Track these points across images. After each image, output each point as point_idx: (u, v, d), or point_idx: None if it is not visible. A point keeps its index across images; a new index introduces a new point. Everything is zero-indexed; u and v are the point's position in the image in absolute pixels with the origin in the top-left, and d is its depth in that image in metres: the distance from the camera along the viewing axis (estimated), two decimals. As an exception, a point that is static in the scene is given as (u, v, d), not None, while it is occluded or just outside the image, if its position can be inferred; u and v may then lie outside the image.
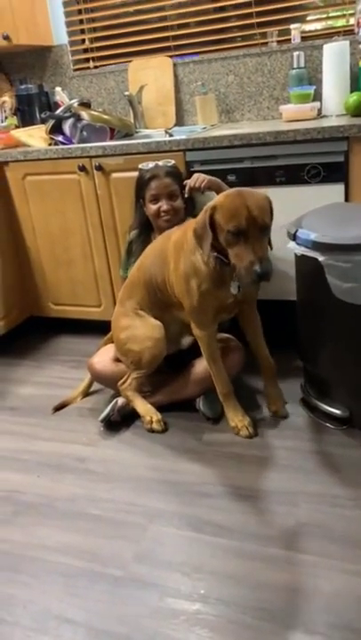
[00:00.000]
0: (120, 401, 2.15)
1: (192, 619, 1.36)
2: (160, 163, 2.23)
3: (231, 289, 1.86)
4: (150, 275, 2.07)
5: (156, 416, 2.08)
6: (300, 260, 1.89)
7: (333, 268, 1.72)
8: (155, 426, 2.06)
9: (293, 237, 1.86)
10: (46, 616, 1.42)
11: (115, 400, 2.17)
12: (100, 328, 2.61)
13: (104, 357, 2.26)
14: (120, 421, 2.15)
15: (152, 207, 2.20)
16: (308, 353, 2.08)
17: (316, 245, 1.76)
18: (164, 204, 2.18)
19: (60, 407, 2.35)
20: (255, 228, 1.68)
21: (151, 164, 2.23)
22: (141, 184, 2.23)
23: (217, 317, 1.97)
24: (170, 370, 2.24)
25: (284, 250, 1.93)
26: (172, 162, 2.25)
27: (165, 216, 2.19)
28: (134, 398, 2.13)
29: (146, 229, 2.32)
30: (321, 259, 1.75)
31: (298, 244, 1.84)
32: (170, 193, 2.19)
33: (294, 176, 2.21)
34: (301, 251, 1.83)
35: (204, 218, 1.74)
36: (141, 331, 2.09)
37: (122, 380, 2.15)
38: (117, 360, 2.23)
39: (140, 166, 2.26)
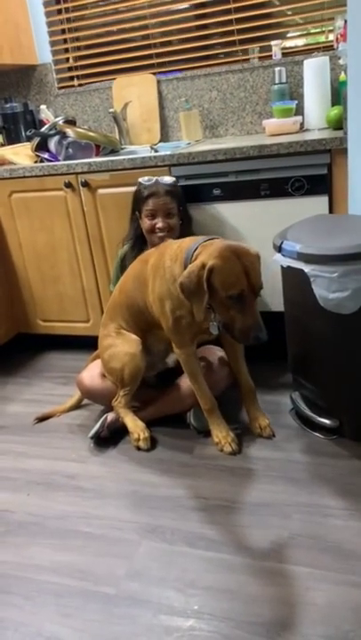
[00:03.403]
0: (110, 417, 2.14)
1: (186, 635, 1.34)
2: (160, 179, 2.22)
3: (211, 329, 1.87)
4: (132, 298, 2.08)
5: (144, 434, 2.07)
6: (287, 271, 1.90)
7: (319, 278, 1.74)
8: (141, 444, 2.05)
9: (279, 249, 1.88)
10: (39, 638, 1.39)
11: (104, 416, 2.15)
12: (88, 344, 2.61)
13: (92, 373, 2.26)
14: (110, 437, 2.14)
15: (148, 222, 2.21)
16: (297, 363, 2.09)
17: (302, 256, 1.77)
18: (159, 222, 2.19)
19: (42, 419, 2.36)
20: (252, 293, 1.69)
21: (151, 180, 2.22)
22: (139, 198, 2.23)
23: (196, 338, 1.98)
24: (160, 384, 2.24)
25: (270, 262, 1.94)
26: (173, 179, 2.25)
27: (160, 233, 2.19)
28: (125, 414, 2.12)
29: (139, 243, 2.31)
30: (307, 270, 1.76)
31: (284, 255, 1.86)
32: (167, 211, 2.20)
33: (279, 189, 2.23)
34: (287, 262, 1.84)
35: (198, 277, 1.67)
36: (120, 348, 2.09)
37: (115, 398, 2.15)
38: (105, 375, 2.22)
39: (139, 180, 2.25)
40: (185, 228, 2.27)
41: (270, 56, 2.73)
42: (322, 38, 2.73)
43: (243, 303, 1.68)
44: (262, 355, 2.13)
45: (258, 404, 2.09)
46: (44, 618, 1.44)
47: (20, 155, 2.83)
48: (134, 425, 2.09)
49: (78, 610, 1.45)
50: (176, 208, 2.22)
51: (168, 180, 2.24)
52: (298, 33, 2.79)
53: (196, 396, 2.04)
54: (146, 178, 2.25)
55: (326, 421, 1.98)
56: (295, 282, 1.86)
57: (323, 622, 1.32)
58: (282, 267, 1.91)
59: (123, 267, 2.34)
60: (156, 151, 2.70)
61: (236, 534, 1.62)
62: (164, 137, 3.03)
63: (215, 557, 1.55)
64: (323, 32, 2.71)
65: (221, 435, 1.99)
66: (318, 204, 2.19)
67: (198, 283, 1.68)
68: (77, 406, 2.40)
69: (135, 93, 2.99)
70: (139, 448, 2.06)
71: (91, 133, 2.75)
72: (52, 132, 2.78)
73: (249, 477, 1.85)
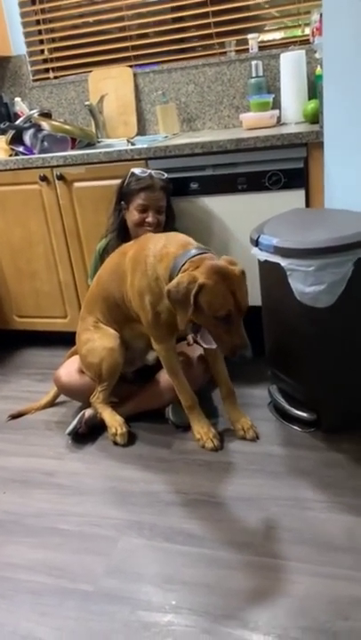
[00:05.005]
0: (87, 413, 2.13)
1: (163, 631, 1.34)
2: (154, 173, 2.19)
3: (187, 330, 1.89)
4: (109, 291, 2.06)
5: (122, 429, 2.05)
6: (264, 265, 1.90)
7: (296, 272, 1.74)
8: (118, 439, 2.04)
9: (256, 243, 1.88)
10: (15, 637, 1.37)
11: (82, 412, 2.14)
12: (66, 339, 2.58)
13: (70, 369, 2.24)
14: (87, 434, 2.12)
15: (137, 215, 2.17)
16: (275, 357, 2.10)
17: (279, 250, 1.78)
18: (150, 216, 2.16)
19: (17, 415, 2.34)
20: (239, 313, 1.68)
21: (145, 172, 2.18)
22: (131, 190, 2.18)
23: (175, 333, 1.97)
24: (138, 380, 2.22)
25: (247, 256, 1.94)
26: (165, 174, 2.22)
27: (148, 227, 2.16)
28: (103, 410, 2.10)
29: (122, 235, 2.26)
30: (283, 264, 1.76)
31: (260, 249, 1.86)
32: (159, 207, 2.18)
33: (256, 183, 2.23)
34: (264, 256, 1.84)
35: (187, 290, 1.65)
36: (98, 342, 2.08)
37: (93, 394, 2.13)
38: (83, 372, 2.20)
39: (132, 170, 2.20)
40: (168, 224, 2.25)
41: (247, 49, 2.72)
42: (298, 32, 2.73)
43: (230, 323, 1.67)
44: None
45: (238, 406, 2.06)
46: (21, 616, 1.43)
47: (-5, 148, 2.78)
48: (112, 419, 2.07)
49: (55, 608, 1.44)
50: (165, 205, 2.20)
51: (161, 175, 2.21)
52: (274, 26, 2.78)
53: (174, 391, 2.03)
54: (139, 170, 2.20)
55: (304, 414, 1.99)
56: (272, 276, 1.86)
57: (301, 614, 1.33)
58: (259, 261, 1.91)
59: (102, 260, 2.29)
60: (132, 144, 2.67)
61: (215, 528, 1.62)
62: (141, 130, 3.01)
63: (194, 552, 1.55)
64: (299, 26, 2.71)
65: (203, 431, 1.99)
66: (295, 197, 2.19)
67: (186, 295, 1.66)
68: (53, 403, 2.38)
69: (112, 86, 2.96)
70: (115, 443, 2.05)
71: (66, 126, 2.71)
72: (26, 124, 2.73)
73: (227, 471, 1.85)
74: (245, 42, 2.72)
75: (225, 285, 1.66)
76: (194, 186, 2.32)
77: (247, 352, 1.69)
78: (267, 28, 2.80)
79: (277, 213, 2.06)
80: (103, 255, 2.30)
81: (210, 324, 1.71)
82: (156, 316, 1.89)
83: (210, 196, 2.31)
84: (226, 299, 1.65)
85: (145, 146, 2.37)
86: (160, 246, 1.86)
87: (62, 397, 2.37)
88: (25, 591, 1.50)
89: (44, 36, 3.13)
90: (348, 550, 1.49)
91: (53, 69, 3.17)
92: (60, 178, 2.49)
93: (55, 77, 3.16)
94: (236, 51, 2.78)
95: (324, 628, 1.29)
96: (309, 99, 2.49)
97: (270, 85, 2.69)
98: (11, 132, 2.72)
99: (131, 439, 2.07)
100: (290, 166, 2.17)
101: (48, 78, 3.17)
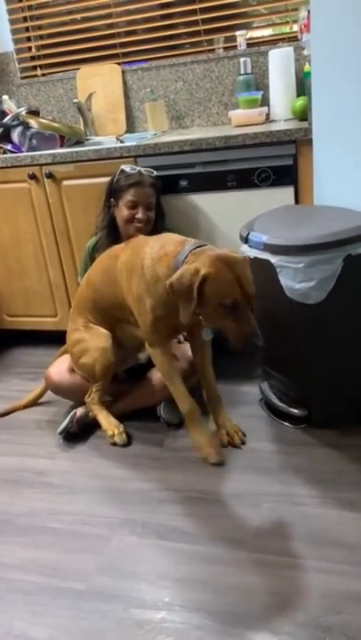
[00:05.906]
0: (79, 412, 2.12)
1: (157, 628, 1.34)
2: (143, 169, 2.19)
3: (203, 335, 1.86)
4: (99, 293, 2.04)
5: (119, 429, 2.04)
6: (253, 262, 1.89)
7: (286, 269, 1.75)
8: (117, 439, 2.03)
9: (246, 240, 1.88)
10: (7, 637, 1.37)
11: (73, 411, 2.13)
12: (56, 338, 2.57)
13: (60, 368, 2.22)
14: (79, 432, 2.11)
15: (127, 212, 2.16)
16: (265, 354, 2.09)
17: (268, 247, 1.78)
18: (140, 213, 2.15)
19: (2, 414, 2.34)
20: (246, 301, 1.63)
21: (135, 169, 2.18)
22: (121, 186, 2.17)
23: (172, 337, 1.95)
24: (130, 379, 2.22)
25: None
26: (154, 172, 2.22)
27: (138, 224, 2.15)
28: (99, 412, 2.09)
29: (112, 233, 2.25)
30: (273, 260, 1.77)
31: (250, 246, 1.86)
32: (148, 203, 2.17)
33: (245, 180, 2.23)
34: (254, 253, 1.85)
35: (191, 282, 1.60)
36: (90, 342, 2.06)
37: (87, 395, 2.12)
38: (74, 370, 2.19)
39: (122, 167, 2.19)
40: (158, 222, 2.24)
41: (235, 46, 2.72)
42: (286, 29, 2.73)
43: (237, 312, 1.62)
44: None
45: (225, 412, 2.02)
46: (13, 616, 1.42)
47: (-18, 146, 2.76)
48: (108, 423, 2.07)
49: (48, 607, 1.43)
50: (155, 203, 2.20)
51: (151, 172, 2.20)
52: (262, 23, 2.78)
53: (165, 390, 2.01)
54: (129, 166, 2.20)
55: (295, 411, 1.99)
56: (262, 273, 1.86)
57: (293, 609, 1.33)
58: (248, 257, 1.91)
59: (93, 258, 2.28)
60: (121, 142, 2.67)
61: (208, 525, 1.62)
62: (130, 128, 3.00)
63: (187, 549, 1.55)
64: (287, 22, 2.72)
65: (204, 442, 1.89)
66: (284, 194, 2.20)
67: (190, 287, 1.62)
68: (38, 401, 2.38)
69: (100, 83, 2.95)
70: (115, 444, 2.03)
71: (55, 124, 2.70)
72: (14, 122, 2.72)
73: (220, 468, 1.85)
74: (234, 39, 2.72)
75: (230, 272, 1.61)
76: (183, 183, 2.32)
77: (258, 340, 1.62)
78: (255, 25, 2.80)
79: (267, 210, 2.06)
80: (93, 253, 2.30)
81: (217, 315, 1.65)
82: (155, 320, 1.83)
83: (199, 194, 2.31)
84: (232, 285, 1.60)
85: (134, 143, 2.36)
86: (157, 248, 1.81)
87: (53, 396, 2.35)
88: (17, 591, 1.50)
89: (32, 33, 3.11)
90: (341, 545, 1.49)
91: (41, 67, 3.15)
92: (49, 176, 2.48)
93: (43, 75, 3.14)
94: (225, 48, 2.79)
95: (317, 622, 1.30)
96: (298, 95, 2.50)
97: (259, 82, 2.70)
98: (-2, 130, 2.71)
99: (127, 438, 2.06)
100: (279, 163, 2.17)
101: (36, 76, 3.15)
